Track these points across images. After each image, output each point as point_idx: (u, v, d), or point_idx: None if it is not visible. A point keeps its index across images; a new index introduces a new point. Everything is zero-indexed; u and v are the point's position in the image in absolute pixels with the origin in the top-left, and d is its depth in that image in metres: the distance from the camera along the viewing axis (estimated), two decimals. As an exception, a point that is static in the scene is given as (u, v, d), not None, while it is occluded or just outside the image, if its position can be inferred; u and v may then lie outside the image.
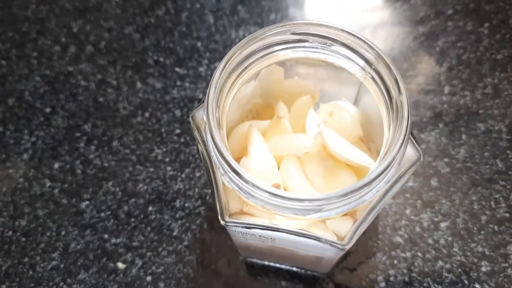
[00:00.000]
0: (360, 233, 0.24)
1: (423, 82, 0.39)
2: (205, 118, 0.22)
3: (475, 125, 0.38)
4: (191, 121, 0.26)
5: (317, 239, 0.23)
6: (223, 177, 0.23)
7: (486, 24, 0.41)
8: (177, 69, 0.41)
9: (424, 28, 0.42)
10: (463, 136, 0.37)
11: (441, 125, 0.38)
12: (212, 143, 0.22)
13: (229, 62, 0.23)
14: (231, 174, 0.21)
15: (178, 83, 0.41)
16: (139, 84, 0.41)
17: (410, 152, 0.24)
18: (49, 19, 0.44)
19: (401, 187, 0.36)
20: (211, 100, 0.22)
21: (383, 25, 0.43)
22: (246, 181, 0.21)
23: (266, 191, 0.21)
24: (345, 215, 0.25)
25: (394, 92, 0.22)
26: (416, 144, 0.25)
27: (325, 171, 0.27)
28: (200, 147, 0.25)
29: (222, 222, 0.24)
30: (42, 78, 0.42)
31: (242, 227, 0.24)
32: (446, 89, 0.39)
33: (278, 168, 0.27)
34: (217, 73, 0.23)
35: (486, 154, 0.37)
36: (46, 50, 0.43)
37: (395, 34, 0.42)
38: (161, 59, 0.42)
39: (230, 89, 0.24)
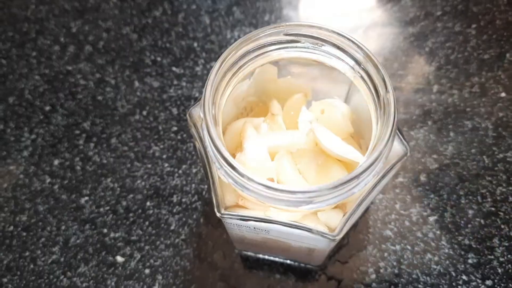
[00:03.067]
0: (350, 225, 0.25)
1: (413, 81, 0.41)
2: (202, 115, 0.23)
3: (462, 122, 0.39)
4: (188, 118, 0.27)
5: (309, 230, 0.24)
6: (219, 171, 0.24)
7: (474, 25, 0.43)
8: (174, 68, 0.42)
9: (414, 28, 0.43)
10: (451, 133, 0.38)
11: (429, 123, 0.39)
12: (209, 138, 0.23)
13: (225, 62, 0.24)
14: (227, 168, 0.22)
15: (175, 82, 0.42)
16: (137, 83, 0.42)
17: (398, 148, 0.26)
18: (48, 19, 0.45)
19: (391, 182, 0.37)
20: (208, 97, 0.23)
21: (374, 26, 0.44)
22: (242, 175, 0.22)
23: (261, 184, 0.22)
24: (335, 207, 0.26)
25: (381, 90, 0.24)
26: (403, 140, 0.26)
27: (317, 166, 0.28)
28: (197, 143, 0.26)
29: (218, 215, 0.25)
30: (42, 77, 0.43)
31: (238, 219, 0.25)
32: (435, 87, 0.40)
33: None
34: (213, 72, 0.24)
35: (473, 150, 0.38)
36: (46, 49, 0.44)
37: (386, 34, 0.43)
38: (158, 58, 0.43)
39: (225, 87, 0.25)
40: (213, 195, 0.25)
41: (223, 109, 0.29)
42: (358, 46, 0.24)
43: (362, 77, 0.25)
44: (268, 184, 0.22)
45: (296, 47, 0.26)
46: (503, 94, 0.40)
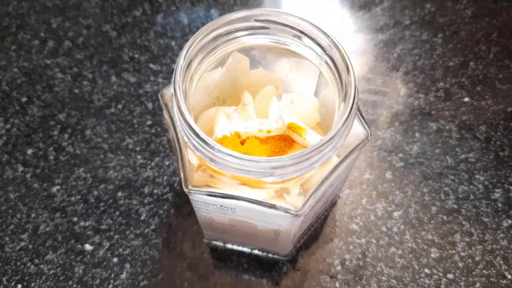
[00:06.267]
0: (313, 204, 0.26)
1: (381, 84, 0.42)
2: (172, 91, 0.24)
3: (427, 124, 0.40)
4: (160, 98, 0.28)
5: (273, 206, 0.25)
6: (189, 145, 0.24)
7: (440, 35, 0.45)
8: (151, 65, 0.43)
9: (383, 36, 0.45)
10: (416, 134, 0.40)
11: (396, 124, 0.40)
12: (178, 112, 0.24)
13: (196, 41, 0.25)
14: (196, 140, 0.23)
15: (152, 78, 0.43)
16: (114, 78, 0.43)
17: (359, 131, 0.27)
18: (29, 15, 0.46)
19: (358, 179, 0.38)
20: (179, 73, 0.24)
21: (347, 32, 0.46)
22: (209, 146, 0.23)
23: (227, 154, 0.23)
24: (299, 194, 0.27)
25: (343, 73, 0.25)
26: (365, 124, 0.27)
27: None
28: (167, 121, 0.27)
29: (186, 190, 0.26)
30: (20, 70, 0.43)
31: (205, 194, 0.26)
32: (402, 91, 0.42)
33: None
34: (184, 49, 0.25)
35: (437, 150, 0.39)
36: (25, 43, 0.45)
37: (357, 40, 0.45)
38: (136, 55, 0.44)
39: (197, 67, 0.26)
40: (181, 172, 0.26)
41: (196, 97, 0.30)
42: (325, 34, 0.26)
43: (327, 62, 0.26)
44: (234, 154, 0.23)
45: (265, 33, 0.28)
46: (466, 99, 0.42)
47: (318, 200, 0.27)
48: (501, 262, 0.35)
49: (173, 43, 0.44)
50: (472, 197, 0.38)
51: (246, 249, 0.36)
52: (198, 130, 0.23)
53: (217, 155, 0.23)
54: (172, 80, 0.24)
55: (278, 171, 0.23)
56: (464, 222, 0.37)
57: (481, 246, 0.36)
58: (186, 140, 0.24)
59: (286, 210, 0.25)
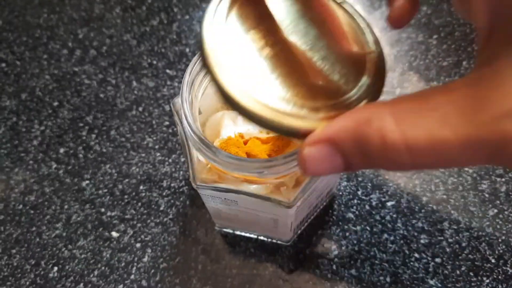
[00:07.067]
0: (303, 197, 0.30)
1: (378, 84, 0.46)
2: (179, 103, 0.28)
3: (420, 121, 0.44)
4: (171, 107, 0.32)
5: (268, 199, 0.29)
6: (194, 147, 0.29)
7: (435, 36, 0.48)
8: (168, 70, 0.48)
9: (382, 38, 0.48)
10: (410, 130, 0.43)
11: (391, 121, 0.44)
12: (185, 120, 0.28)
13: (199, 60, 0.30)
14: (199, 144, 0.27)
15: (168, 82, 0.47)
16: (134, 83, 0.47)
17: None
18: (58, 26, 0.51)
19: (354, 172, 0.42)
20: (185, 88, 0.28)
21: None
22: (210, 148, 0.27)
23: (228, 157, 0.27)
24: (295, 186, 0.31)
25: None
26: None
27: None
28: (178, 127, 0.32)
29: (194, 186, 0.30)
30: (51, 77, 0.48)
31: (210, 189, 0.30)
32: (398, 90, 0.45)
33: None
34: (189, 68, 0.29)
35: (429, 145, 0.43)
36: (55, 53, 0.50)
37: (357, 43, 0.49)
38: (154, 62, 0.48)
39: (201, 81, 0.31)
40: (190, 170, 0.30)
41: (206, 101, 0.34)
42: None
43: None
44: (233, 156, 0.27)
45: (263, 48, 0.32)
46: (458, 97, 0.45)
47: (310, 193, 0.31)
48: (486, 247, 0.39)
49: (187, 49, 0.49)
50: (460, 188, 0.41)
51: (252, 236, 0.40)
52: (203, 137, 0.27)
53: (219, 157, 0.27)
54: (180, 94, 0.28)
55: (269, 170, 0.27)
56: (452, 211, 0.40)
57: (467, 233, 0.39)
58: (193, 144, 0.28)
59: (279, 203, 0.29)
